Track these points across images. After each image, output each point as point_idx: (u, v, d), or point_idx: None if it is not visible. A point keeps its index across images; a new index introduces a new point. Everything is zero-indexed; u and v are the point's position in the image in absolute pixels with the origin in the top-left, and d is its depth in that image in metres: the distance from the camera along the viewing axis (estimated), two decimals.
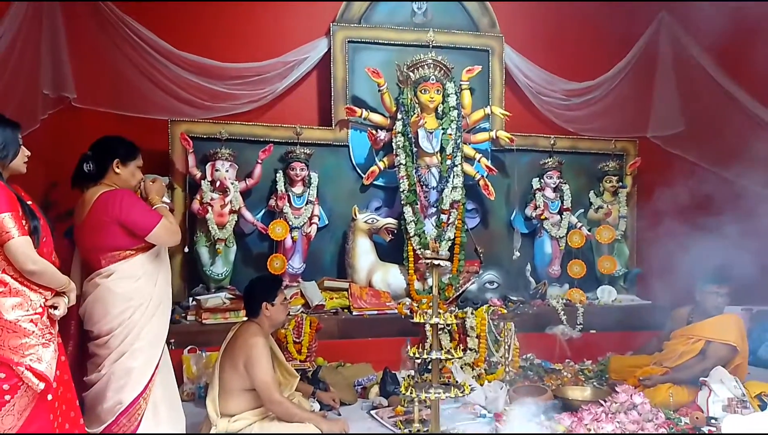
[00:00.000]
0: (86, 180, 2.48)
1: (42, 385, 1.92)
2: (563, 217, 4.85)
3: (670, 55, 5.18)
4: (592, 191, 5.06)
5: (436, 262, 2.31)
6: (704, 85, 4.97)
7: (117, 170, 2.48)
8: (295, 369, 3.32)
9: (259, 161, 4.35)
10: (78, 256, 2.52)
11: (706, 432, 2.85)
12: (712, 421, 2.97)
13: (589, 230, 4.90)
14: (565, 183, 4.90)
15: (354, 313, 4.17)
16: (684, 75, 5.13)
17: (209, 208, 4.15)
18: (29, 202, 2.07)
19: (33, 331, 1.95)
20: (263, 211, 4.48)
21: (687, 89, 5.12)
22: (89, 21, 4.22)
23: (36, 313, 1.99)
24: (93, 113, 4.20)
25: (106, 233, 2.37)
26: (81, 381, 2.34)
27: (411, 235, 4.41)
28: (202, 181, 4.20)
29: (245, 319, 3.00)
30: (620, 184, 4.99)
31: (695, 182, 5.19)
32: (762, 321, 4.52)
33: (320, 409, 3.17)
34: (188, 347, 3.59)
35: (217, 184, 4.19)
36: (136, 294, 2.40)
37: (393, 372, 3.51)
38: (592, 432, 2.76)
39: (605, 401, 2.95)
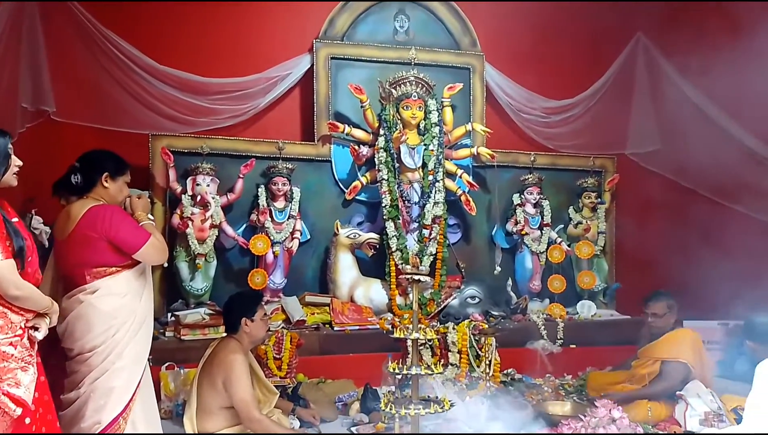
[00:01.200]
0: (72, 192, 2.45)
1: (19, 411, 1.87)
2: (543, 232, 4.90)
3: (646, 74, 5.30)
4: (571, 207, 5.13)
5: (416, 277, 2.32)
6: (680, 103, 5.09)
7: (105, 184, 2.46)
8: (275, 385, 3.29)
9: (241, 176, 4.34)
10: (51, 270, 2.47)
11: None
12: None
13: (569, 245, 4.96)
14: (545, 199, 4.96)
15: (335, 329, 4.15)
16: (660, 94, 5.25)
17: (189, 223, 4.12)
18: (15, 220, 2.01)
19: (12, 355, 1.90)
20: (245, 226, 4.46)
21: (663, 108, 5.24)
22: (70, 35, 4.18)
23: (16, 336, 1.94)
24: (72, 127, 4.15)
25: (93, 249, 2.34)
26: (57, 399, 2.27)
27: (393, 250, 4.42)
28: (183, 196, 4.17)
29: (224, 335, 2.98)
30: (599, 200, 5.07)
31: (672, 198, 5.31)
32: (738, 335, 4.59)
33: (300, 426, 3.14)
34: (166, 364, 3.53)
35: (198, 198, 4.16)
36: (120, 311, 2.36)
37: (374, 388, 3.49)
38: None
39: (585, 416, 2.97)
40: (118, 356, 2.32)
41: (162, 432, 2.51)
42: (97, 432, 2.26)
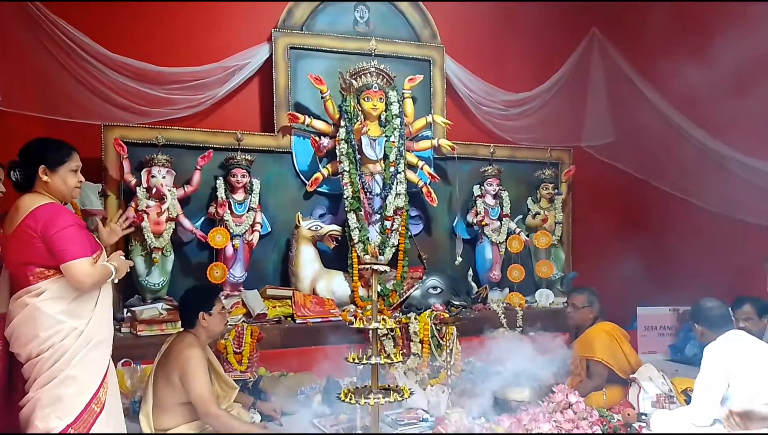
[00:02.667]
0: (18, 189, 2.32)
1: None
2: (503, 223, 4.98)
3: (600, 68, 5.43)
4: (529, 198, 5.23)
5: (375, 267, 2.32)
6: (633, 97, 5.24)
7: (45, 178, 2.29)
8: (236, 380, 3.25)
9: (198, 168, 4.24)
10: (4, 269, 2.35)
11: (637, 427, 2.98)
12: (643, 416, 3.11)
13: (528, 236, 5.06)
14: (504, 190, 5.04)
15: (297, 322, 4.12)
16: (614, 87, 5.39)
17: (145, 216, 4.01)
18: None
19: None
20: (203, 219, 4.37)
21: (617, 101, 5.39)
22: (15, 20, 4.00)
23: None
24: (20, 117, 3.97)
25: (32, 248, 2.21)
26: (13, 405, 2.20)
27: (355, 242, 4.41)
28: (138, 188, 4.05)
29: (181, 330, 2.91)
30: (556, 191, 5.18)
31: (626, 189, 5.48)
32: (688, 320, 4.78)
33: (261, 420, 3.11)
34: (122, 361, 3.44)
35: (154, 191, 4.05)
36: (68, 316, 2.21)
37: (337, 380, 3.49)
38: (530, 432, 2.83)
39: (543, 401, 3.04)
40: (66, 364, 2.18)
41: None
42: None
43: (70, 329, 2.21)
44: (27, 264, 2.23)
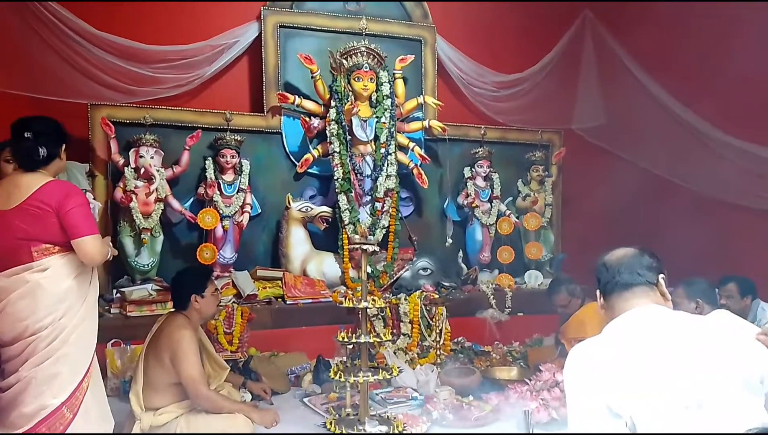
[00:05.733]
0: (30, 164, 2.29)
1: None
2: (493, 205, 5.00)
3: (592, 50, 5.41)
4: (520, 180, 5.24)
5: (364, 246, 2.32)
6: (623, 80, 5.23)
7: (62, 157, 2.38)
8: (227, 360, 3.26)
9: (187, 148, 4.20)
10: None
11: None
12: None
13: (518, 218, 5.08)
14: (494, 172, 5.04)
15: (288, 303, 4.13)
16: (605, 70, 5.38)
17: (133, 197, 3.97)
18: None
19: None
20: (192, 200, 4.34)
21: (608, 84, 5.38)
22: None
23: None
24: (3, 96, 3.90)
25: (43, 224, 2.21)
26: None
27: (346, 223, 4.41)
28: (126, 169, 4.02)
29: (172, 310, 2.91)
30: (546, 173, 5.20)
31: (616, 172, 5.49)
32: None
33: (251, 400, 3.13)
34: (112, 341, 3.44)
35: (142, 171, 4.02)
36: (69, 294, 2.23)
37: (327, 360, 3.51)
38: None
39: (530, 380, 3.08)
40: (63, 342, 2.20)
41: (110, 416, 2.40)
42: (39, 418, 2.15)
43: (67, 308, 2.23)
44: (32, 240, 2.22)
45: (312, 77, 4.41)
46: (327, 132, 4.45)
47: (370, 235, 4.30)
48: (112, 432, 2.39)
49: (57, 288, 2.21)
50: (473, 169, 5.01)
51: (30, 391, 2.16)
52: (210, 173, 4.24)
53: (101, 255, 2.30)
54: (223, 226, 4.22)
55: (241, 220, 4.31)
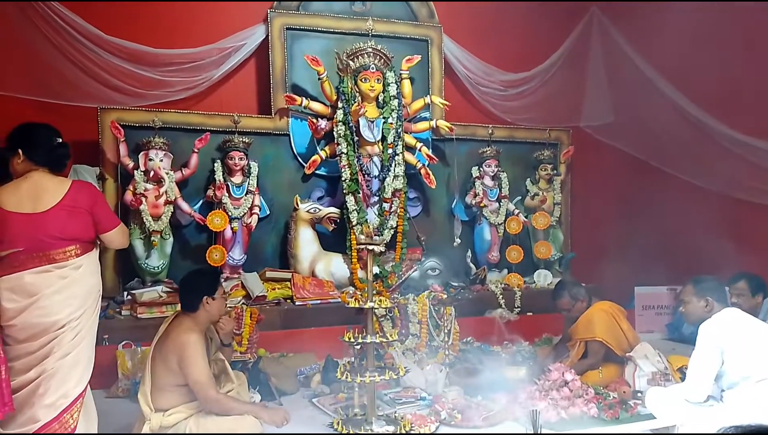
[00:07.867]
0: (56, 166, 2.45)
1: None
2: (501, 204, 4.98)
3: (600, 48, 5.38)
4: (528, 179, 5.23)
5: (370, 247, 2.33)
6: (632, 77, 5.20)
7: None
8: (236, 360, 3.28)
9: (195, 150, 4.23)
10: None
11: (632, 405, 3.01)
12: (638, 394, 3.13)
13: (526, 217, 5.06)
14: (502, 171, 5.03)
15: (297, 304, 4.15)
16: (613, 68, 5.35)
17: (143, 199, 4.01)
18: None
19: None
20: (201, 202, 4.38)
21: (616, 81, 5.35)
22: (9, 3, 3.96)
23: None
24: (13, 100, 3.95)
25: (81, 223, 2.38)
26: None
27: (354, 224, 4.42)
28: (135, 171, 4.06)
29: (178, 312, 2.92)
30: (555, 171, 5.17)
31: (625, 170, 5.46)
32: None
33: (261, 401, 3.14)
34: (123, 342, 3.47)
35: (151, 174, 4.05)
36: (94, 289, 2.43)
37: (336, 360, 3.52)
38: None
39: (539, 380, 3.07)
40: (89, 332, 2.38)
41: (95, 409, 2.51)
42: (61, 408, 2.27)
43: (93, 300, 2.41)
44: (68, 239, 2.35)
45: (319, 78, 4.42)
46: (334, 133, 4.46)
47: (378, 235, 4.31)
48: (95, 421, 2.48)
49: (88, 283, 2.39)
50: (481, 169, 5.00)
51: (54, 382, 2.26)
52: (218, 175, 4.27)
53: (128, 240, 2.65)
54: (231, 228, 4.25)
55: (250, 222, 4.34)
